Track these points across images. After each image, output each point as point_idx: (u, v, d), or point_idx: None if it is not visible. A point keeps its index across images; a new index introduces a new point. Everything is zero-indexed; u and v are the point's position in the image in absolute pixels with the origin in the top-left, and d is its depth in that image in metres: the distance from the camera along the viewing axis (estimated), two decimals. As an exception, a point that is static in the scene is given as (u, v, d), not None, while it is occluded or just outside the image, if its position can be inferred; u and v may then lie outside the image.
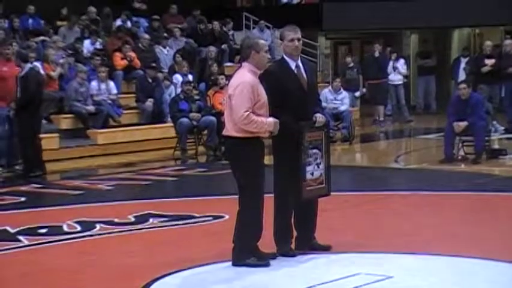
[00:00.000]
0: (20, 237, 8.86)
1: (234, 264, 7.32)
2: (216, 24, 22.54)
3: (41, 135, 14.27)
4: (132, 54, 19.33)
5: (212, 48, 20.50)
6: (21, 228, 9.29)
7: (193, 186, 13.01)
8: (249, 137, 7.23)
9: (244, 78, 7.24)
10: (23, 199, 11.59)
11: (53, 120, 16.85)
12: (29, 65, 14.25)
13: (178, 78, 18.78)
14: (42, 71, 15.65)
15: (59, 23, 20.92)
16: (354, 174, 13.88)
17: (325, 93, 18.09)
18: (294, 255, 7.62)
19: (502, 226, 8.97)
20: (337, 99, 18.30)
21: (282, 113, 7.43)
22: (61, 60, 17.60)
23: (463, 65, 21.35)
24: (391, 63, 22.23)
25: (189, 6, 23.60)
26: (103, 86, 17.53)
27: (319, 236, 7.88)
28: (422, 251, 7.78)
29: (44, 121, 15.39)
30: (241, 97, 7.16)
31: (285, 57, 7.71)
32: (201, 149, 16.56)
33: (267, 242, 7.52)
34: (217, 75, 17.89)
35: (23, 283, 7.23)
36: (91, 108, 17.04)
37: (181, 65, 19.26)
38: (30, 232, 9.11)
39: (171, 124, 16.75)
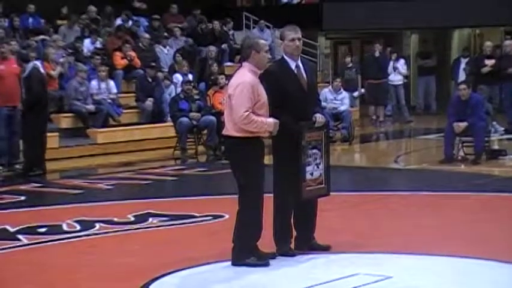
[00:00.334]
0: (20, 236, 8.86)
1: (234, 264, 7.33)
2: (216, 24, 22.54)
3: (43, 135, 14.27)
4: (132, 54, 19.33)
5: (212, 48, 20.49)
6: (21, 227, 9.30)
7: (193, 185, 13.01)
8: (248, 137, 7.23)
9: (244, 78, 7.24)
10: (22, 198, 11.59)
11: (53, 119, 16.84)
12: (31, 65, 14.25)
13: (178, 77, 18.78)
14: (42, 70, 15.64)
15: (59, 22, 20.92)
16: (353, 175, 13.88)
17: (325, 93, 18.09)
18: (293, 255, 7.62)
19: (502, 226, 8.97)
20: (337, 99, 18.29)
21: (282, 113, 7.43)
22: (61, 60, 17.59)
23: (463, 66, 21.36)
24: (391, 63, 22.24)
25: (189, 5, 23.60)
26: (103, 85, 17.54)
27: (318, 236, 7.88)
28: (422, 251, 7.78)
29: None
30: (241, 97, 7.16)
31: (285, 57, 7.71)
32: (200, 148, 16.56)
33: (266, 242, 7.52)
34: (217, 75, 17.90)
35: (22, 282, 7.22)
36: (91, 107, 17.04)
37: (181, 65, 19.27)
38: (30, 231, 9.11)
39: (171, 124, 16.75)
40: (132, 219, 9.68)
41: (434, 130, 19.09)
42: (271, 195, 7.61)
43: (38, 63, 15.25)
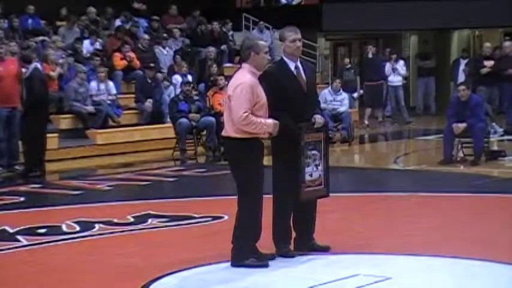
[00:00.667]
0: (19, 237, 8.86)
1: (233, 265, 7.33)
2: (215, 25, 22.54)
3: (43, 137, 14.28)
4: (132, 55, 19.34)
5: (211, 49, 20.50)
6: (21, 228, 9.30)
7: (193, 186, 13.01)
8: (248, 138, 7.23)
9: (243, 79, 7.25)
10: (22, 199, 11.60)
11: (52, 120, 16.84)
12: (33, 66, 14.25)
13: (177, 78, 18.79)
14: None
15: (58, 23, 20.92)
16: (352, 176, 13.88)
17: (325, 94, 18.10)
18: (292, 256, 7.62)
19: (502, 227, 8.97)
20: (336, 100, 18.30)
21: (281, 114, 7.43)
22: (60, 60, 17.60)
23: (462, 67, 21.40)
24: (388, 64, 22.26)
25: (188, 6, 23.60)
26: (102, 86, 17.55)
27: (317, 237, 7.88)
28: (421, 252, 7.78)
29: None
30: (241, 98, 7.17)
31: (285, 58, 7.71)
32: (200, 149, 16.56)
33: (266, 243, 7.52)
34: (217, 76, 17.90)
35: (21, 283, 7.22)
36: (90, 108, 17.05)
37: (180, 66, 19.27)
38: (30, 232, 9.11)
39: (170, 125, 16.75)
40: (132, 220, 9.68)
41: (434, 131, 19.09)
42: (271, 196, 7.61)
43: (38, 64, 15.25)
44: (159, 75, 18.81)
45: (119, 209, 10.52)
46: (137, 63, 19.28)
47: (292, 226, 7.74)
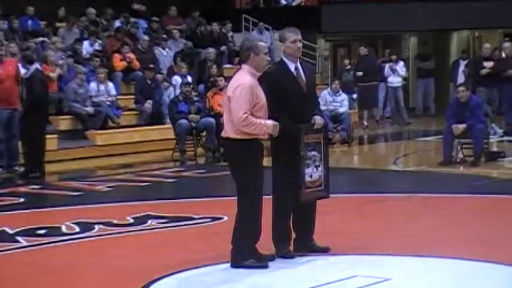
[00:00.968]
0: (19, 238, 8.85)
1: (233, 266, 7.32)
2: (215, 26, 22.54)
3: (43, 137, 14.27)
4: (131, 56, 19.34)
5: (211, 50, 20.50)
6: (20, 229, 9.29)
7: (192, 187, 13.01)
8: (247, 139, 7.23)
9: (243, 80, 7.25)
10: (21, 200, 11.60)
11: (52, 121, 16.83)
12: (34, 67, 14.25)
13: (177, 79, 18.79)
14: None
15: (58, 24, 20.92)
16: (352, 177, 13.88)
17: (324, 95, 18.09)
18: (292, 257, 7.62)
19: (501, 228, 8.97)
20: (336, 101, 18.29)
21: (281, 115, 7.43)
22: (60, 61, 17.61)
23: (462, 68, 21.42)
24: (387, 65, 22.28)
25: (188, 7, 23.60)
26: (102, 87, 17.55)
27: (317, 238, 7.88)
28: (421, 253, 7.78)
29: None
30: (240, 99, 7.17)
31: (285, 59, 7.71)
32: (200, 150, 16.56)
33: (265, 244, 7.52)
34: (217, 77, 17.89)
35: (21, 284, 7.22)
36: (90, 109, 17.06)
37: (180, 67, 19.27)
38: (29, 233, 9.11)
39: (170, 125, 16.75)
40: (132, 221, 9.68)
41: (433, 132, 19.09)
42: (270, 197, 7.61)
43: (38, 65, 15.25)
44: (159, 76, 18.81)
45: (118, 210, 10.51)
46: (137, 64, 19.29)
47: (291, 227, 7.74)
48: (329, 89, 18.85)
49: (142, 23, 22.24)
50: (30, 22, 20.34)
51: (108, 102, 17.46)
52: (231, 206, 7.62)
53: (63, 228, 9.35)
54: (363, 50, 21.96)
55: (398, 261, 7.61)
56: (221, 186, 12.20)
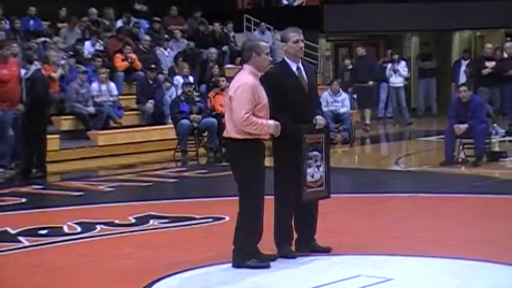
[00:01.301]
0: (21, 238, 8.86)
1: (235, 266, 7.33)
2: (216, 26, 22.54)
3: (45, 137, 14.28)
4: (133, 56, 19.35)
5: (213, 50, 20.49)
6: (22, 229, 9.29)
7: (194, 187, 13.02)
8: (249, 139, 7.23)
9: (244, 80, 7.25)
10: (23, 200, 11.60)
11: (54, 122, 16.86)
12: (34, 67, 14.24)
13: (179, 79, 18.79)
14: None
15: (60, 24, 20.93)
16: (354, 177, 13.87)
17: (325, 96, 18.05)
18: (294, 257, 7.62)
19: (503, 228, 8.97)
20: (337, 101, 18.27)
21: (283, 115, 7.44)
22: (62, 62, 17.61)
23: (463, 68, 21.40)
24: (389, 65, 22.27)
25: (189, 8, 23.60)
26: (104, 87, 17.55)
27: (319, 238, 7.88)
28: (423, 253, 7.79)
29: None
30: (242, 99, 7.17)
31: (286, 59, 7.71)
32: (201, 150, 16.56)
33: (267, 244, 7.52)
34: (218, 77, 17.89)
35: (23, 284, 7.23)
36: (91, 109, 17.06)
37: (182, 67, 19.27)
38: (31, 233, 9.11)
39: (172, 126, 16.76)
40: (133, 221, 9.68)
41: (435, 132, 19.09)
42: (272, 197, 7.61)
43: (38, 65, 15.26)
44: (161, 76, 18.80)
45: (120, 210, 10.51)
46: (138, 64, 19.29)
47: (293, 227, 7.74)
48: (329, 89, 18.80)
49: (144, 23, 22.25)
50: (32, 22, 20.35)
51: (109, 103, 17.46)
52: (232, 206, 7.63)
53: (65, 229, 9.35)
54: (360, 51, 21.94)
55: (401, 261, 7.61)
56: (223, 186, 12.19)
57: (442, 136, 15.21)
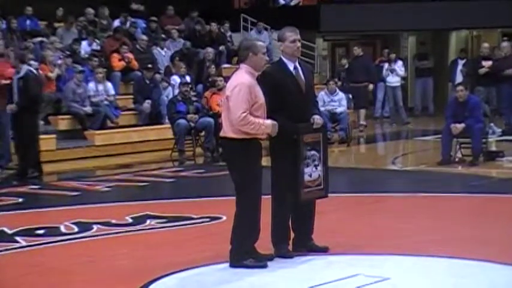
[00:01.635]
0: (18, 238, 8.86)
1: (232, 266, 7.33)
2: (213, 26, 22.54)
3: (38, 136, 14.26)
4: (130, 56, 19.33)
5: (210, 50, 20.49)
6: (19, 229, 9.29)
7: (191, 187, 13.01)
8: (246, 139, 7.23)
9: (241, 80, 7.25)
10: (20, 200, 11.59)
11: (51, 121, 16.85)
12: (26, 66, 14.22)
13: (176, 79, 18.78)
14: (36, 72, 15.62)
15: (56, 24, 20.91)
16: (351, 176, 13.88)
17: (322, 96, 18.03)
18: (291, 257, 7.62)
19: (500, 228, 8.98)
20: (334, 100, 18.26)
21: (280, 114, 7.43)
22: (59, 61, 17.59)
23: (460, 67, 21.39)
24: (386, 65, 22.27)
25: (186, 7, 23.59)
26: (100, 87, 17.54)
27: (316, 238, 7.88)
28: (420, 252, 7.78)
29: (41, 122, 15.37)
30: (239, 98, 7.17)
31: (283, 58, 7.71)
32: (198, 150, 16.55)
33: (264, 244, 7.52)
34: (215, 77, 17.88)
35: (20, 284, 7.22)
36: (88, 109, 17.05)
37: (178, 67, 19.26)
38: (28, 233, 9.11)
39: (169, 125, 16.75)
40: (130, 221, 9.68)
41: (432, 132, 19.09)
42: (269, 196, 7.61)
43: (34, 64, 15.25)
44: (157, 76, 18.79)
45: (117, 210, 10.51)
46: (135, 64, 19.28)
47: (291, 227, 7.74)
48: (326, 89, 18.78)
49: (141, 23, 22.22)
50: (28, 22, 20.33)
51: (106, 102, 17.45)
52: (229, 206, 7.62)
53: (62, 228, 9.35)
54: (357, 51, 21.92)
55: (398, 260, 7.61)
56: (220, 186, 12.19)
57: (439, 136, 15.22)
